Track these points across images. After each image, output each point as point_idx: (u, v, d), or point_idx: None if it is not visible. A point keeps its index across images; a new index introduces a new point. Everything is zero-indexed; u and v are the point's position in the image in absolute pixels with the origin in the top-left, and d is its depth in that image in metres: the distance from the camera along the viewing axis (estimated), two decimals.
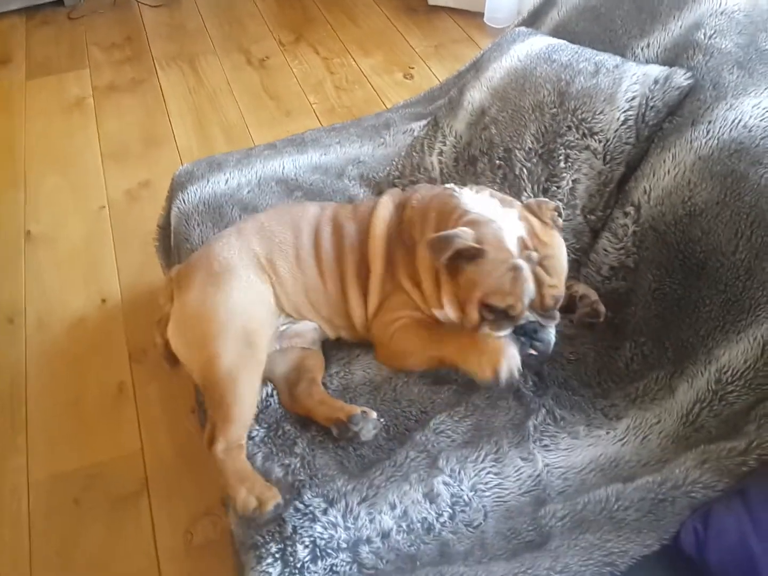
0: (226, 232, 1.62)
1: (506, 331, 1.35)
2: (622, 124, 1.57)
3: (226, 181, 1.97)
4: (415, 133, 2.01)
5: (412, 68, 3.38)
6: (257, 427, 1.43)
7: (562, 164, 1.63)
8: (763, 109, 1.41)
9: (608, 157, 1.58)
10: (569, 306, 1.55)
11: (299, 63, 3.50)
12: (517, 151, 1.70)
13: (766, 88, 1.44)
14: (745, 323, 1.30)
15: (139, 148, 3.05)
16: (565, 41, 1.82)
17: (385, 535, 1.21)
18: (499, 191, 1.70)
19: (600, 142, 1.59)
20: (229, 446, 1.37)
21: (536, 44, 1.82)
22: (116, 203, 2.79)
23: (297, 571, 1.17)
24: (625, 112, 1.57)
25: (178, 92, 3.36)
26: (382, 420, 1.40)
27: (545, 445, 1.32)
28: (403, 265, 1.49)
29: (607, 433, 1.34)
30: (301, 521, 1.22)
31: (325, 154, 2.06)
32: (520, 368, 1.33)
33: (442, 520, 1.23)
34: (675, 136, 1.51)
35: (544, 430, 1.36)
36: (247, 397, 1.41)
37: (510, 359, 1.32)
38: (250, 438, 1.41)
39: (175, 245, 1.94)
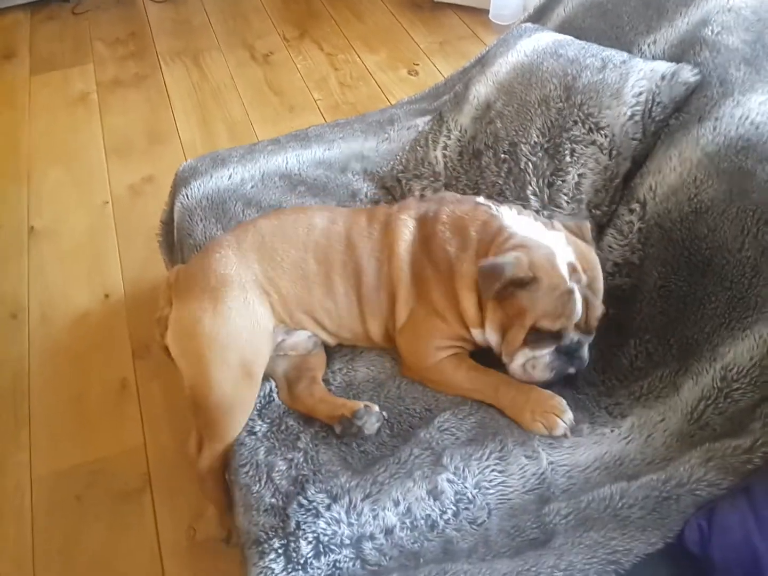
0: (224, 241, 1.55)
1: (550, 350, 1.37)
2: (628, 120, 1.56)
3: (230, 177, 1.97)
4: (420, 129, 2.01)
5: (417, 65, 3.38)
6: (260, 422, 1.43)
7: (567, 159, 1.62)
8: None
9: (614, 152, 1.58)
10: None
11: (303, 59, 3.50)
12: (522, 145, 1.69)
13: None
14: (751, 320, 1.29)
15: (142, 144, 3.05)
16: (571, 37, 1.81)
17: (388, 532, 1.21)
18: (504, 185, 1.70)
19: (606, 137, 1.58)
20: (212, 463, 1.44)
21: (543, 40, 1.81)
22: (120, 198, 2.79)
23: (300, 567, 1.17)
24: (631, 107, 1.56)
25: (182, 88, 3.36)
26: (384, 414, 1.40)
27: (550, 443, 1.32)
28: (434, 284, 1.45)
29: (612, 431, 1.34)
30: (305, 517, 1.22)
31: (328, 149, 2.06)
32: (573, 421, 1.34)
33: (445, 517, 1.23)
34: (681, 132, 1.50)
35: None
36: (238, 423, 1.43)
37: (565, 415, 1.34)
38: (253, 433, 1.42)
39: (178, 241, 1.93)
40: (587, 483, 1.25)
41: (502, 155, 1.73)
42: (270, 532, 1.22)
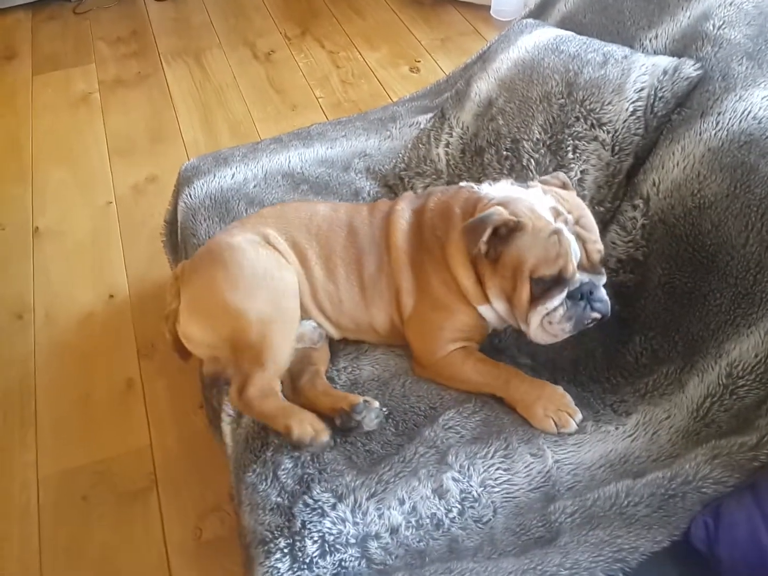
0: (230, 226, 1.62)
1: (560, 298, 1.34)
2: (630, 115, 1.56)
3: (233, 176, 1.97)
4: (422, 126, 2.00)
5: (419, 62, 3.37)
6: None
7: (570, 155, 1.62)
8: None
9: (617, 148, 1.57)
10: None
11: (305, 57, 3.49)
12: (524, 142, 1.69)
13: None
14: (756, 317, 1.29)
15: (145, 143, 3.05)
16: (572, 33, 1.81)
17: (393, 531, 1.21)
18: None
19: (608, 132, 1.58)
20: (262, 391, 1.37)
21: (544, 35, 1.81)
22: (123, 198, 2.79)
23: (306, 566, 1.17)
24: (633, 102, 1.56)
25: (184, 87, 3.36)
26: (385, 410, 1.40)
27: (555, 441, 1.31)
28: (433, 272, 1.46)
29: (617, 428, 1.33)
30: (310, 516, 1.22)
31: (331, 147, 2.06)
32: (581, 415, 1.34)
33: (451, 515, 1.23)
34: (684, 127, 1.50)
35: None
36: (279, 346, 1.40)
37: (576, 415, 1.34)
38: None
39: (182, 240, 1.94)
40: (592, 481, 1.25)
41: (505, 152, 1.72)
42: (276, 532, 1.22)
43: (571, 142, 1.62)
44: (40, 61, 3.60)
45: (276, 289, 1.44)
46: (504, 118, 1.75)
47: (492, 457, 1.28)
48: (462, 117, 1.86)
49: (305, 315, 1.53)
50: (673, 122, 1.54)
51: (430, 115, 2.03)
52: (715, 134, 1.42)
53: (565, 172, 1.61)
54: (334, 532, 1.20)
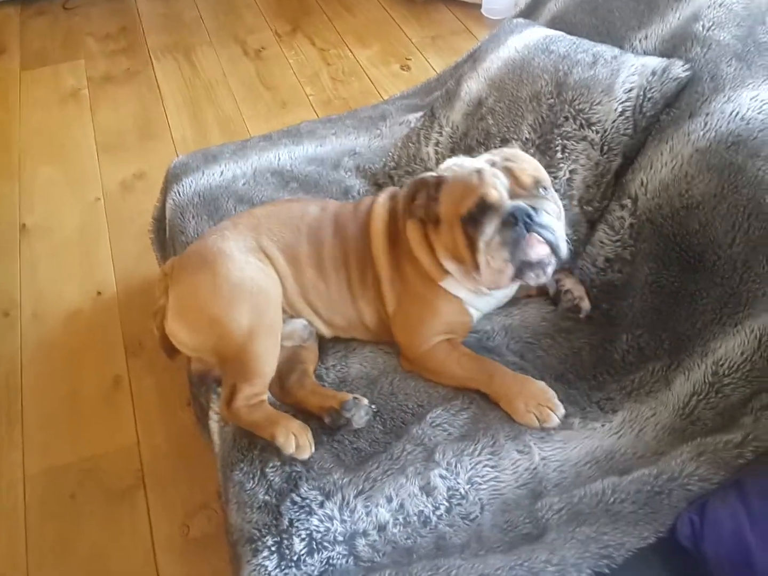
0: (220, 225, 1.61)
1: (492, 226, 1.30)
2: (619, 115, 1.56)
3: (222, 173, 1.96)
4: (412, 125, 2.01)
5: (409, 60, 3.37)
6: None
7: (559, 155, 1.62)
8: (761, 101, 1.40)
9: (605, 148, 1.58)
10: (555, 299, 1.57)
11: (295, 54, 3.48)
12: (514, 141, 1.69)
13: (764, 81, 1.43)
14: (742, 315, 1.30)
15: (134, 140, 3.04)
16: (562, 33, 1.81)
17: (381, 528, 1.21)
18: None
19: (597, 132, 1.58)
20: (249, 402, 1.39)
21: (534, 35, 1.81)
22: (111, 195, 2.78)
23: (293, 564, 1.17)
24: (622, 103, 1.56)
25: (174, 83, 3.35)
26: (373, 407, 1.40)
27: (541, 438, 1.32)
28: (407, 262, 1.49)
29: (603, 425, 1.34)
30: (298, 514, 1.22)
31: (320, 145, 2.05)
32: (563, 410, 1.35)
33: (438, 513, 1.23)
34: (672, 128, 1.51)
35: None
36: (265, 356, 1.42)
37: (558, 410, 1.34)
38: None
39: (170, 237, 1.93)
40: (579, 477, 1.25)
41: None
42: (263, 530, 1.22)
43: (560, 141, 1.63)
44: (29, 56, 3.58)
45: (258, 303, 1.44)
46: (494, 118, 1.76)
47: (479, 454, 1.29)
48: (452, 116, 1.86)
49: (297, 315, 1.54)
50: (662, 122, 1.55)
51: (420, 113, 2.03)
52: (703, 135, 1.43)
53: (554, 172, 1.62)
54: (322, 529, 1.20)
